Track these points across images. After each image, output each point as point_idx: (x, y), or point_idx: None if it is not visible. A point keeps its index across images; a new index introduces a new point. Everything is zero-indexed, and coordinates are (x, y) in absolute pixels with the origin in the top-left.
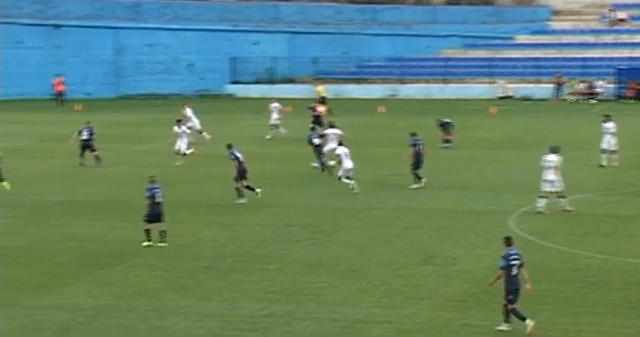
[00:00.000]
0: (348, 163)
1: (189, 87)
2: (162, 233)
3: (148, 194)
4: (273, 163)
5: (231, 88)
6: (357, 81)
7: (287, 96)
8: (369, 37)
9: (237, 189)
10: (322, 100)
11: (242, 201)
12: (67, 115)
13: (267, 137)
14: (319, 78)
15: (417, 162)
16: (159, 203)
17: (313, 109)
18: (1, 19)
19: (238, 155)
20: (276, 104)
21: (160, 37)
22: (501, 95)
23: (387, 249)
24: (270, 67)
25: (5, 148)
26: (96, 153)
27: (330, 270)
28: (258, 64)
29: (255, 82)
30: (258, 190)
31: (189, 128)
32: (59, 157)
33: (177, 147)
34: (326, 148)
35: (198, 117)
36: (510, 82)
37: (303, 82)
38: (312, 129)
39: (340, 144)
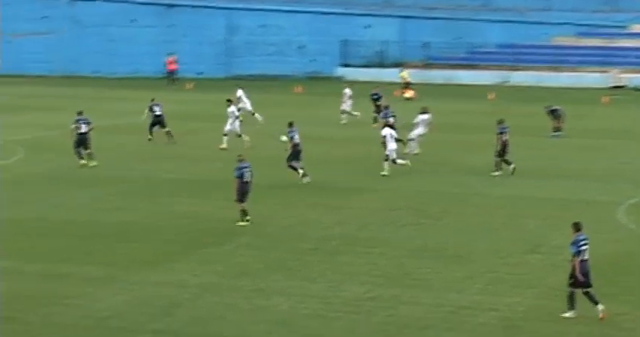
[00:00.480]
0: (392, 145)
1: (299, 69)
2: (244, 211)
3: (236, 173)
4: (376, 146)
5: (341, 71)
6: (468, 67)
7: (396, 80)
8: (480, 23)
9: (294, 168)
10: (407, 85)
11: (307, 179)
12: (178, 94)
13: (343, 122)
14: (404, 64)
15: (503, 150)
16: (247, 182)
17: (375, 96)
18: None
19: (295, 136)
20: (347, 90)
21: (272, 19)
22: (614, 85)
23: (493, 237)
24: (381, 50)
25: (118, 125)
26: (167, 129)
27: (436, 256)
28: (368, 47)
29: (365, 66)
30: (305, 179)
31: (238, 110)
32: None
33: (227, 129)
34: (415, 133)
35: (249, 99)
36: (624, 72)
37: (413, 66)
38: (375, 119)
39: (389, 126)
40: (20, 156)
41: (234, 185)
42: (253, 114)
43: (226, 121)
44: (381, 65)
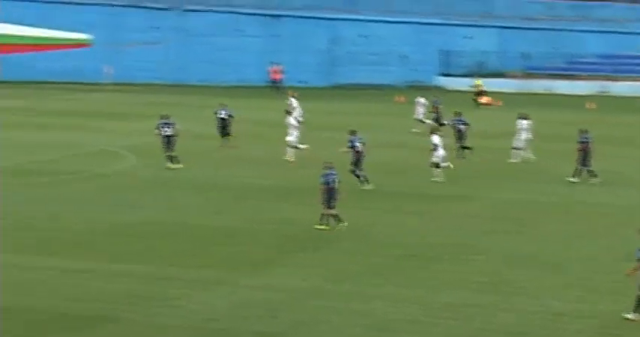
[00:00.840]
0: (440, 151)
1: (400, 78)
2: (336, 217)
3: (322, 180)
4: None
5: (442, 81)
6: (567, 77)
7: (496, 90)
8: (579, 33)
9: (357, 175)
10: (481, 93)
11: (368, 186)
12: (282, 102)
13: (414, 130)
14: (481, 73)
15: (584, 159)
16: (333, 188)
17: (435, 106)
18: (225, 8)
19: (357, 144)
20: (421, 99)
21: (374, 29)
22: None
23: (590, 245)
24: (481, 60)
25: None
26: (229, 133)
27: (533, 263)
28: (468, 57)
29: (465, 75)
30: (367, 186)
31: (297, 120)
32: (269, 143)
33: (289, 139)
34: (520, 139)
35: (301, 108)
36: None
37: (512, 76)
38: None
39: (435, 132)
40: (132, 162)
41: (320, 191)
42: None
43: (289, 132)
44: (481, 75)
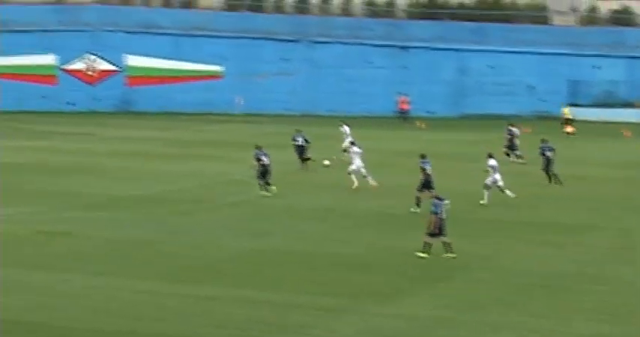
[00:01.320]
0: (497, 175)
1: (527, 108)
2: (448, 245)
3: (433, 209)
4: (611, 186)
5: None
6: None
7: (626, 120)
8: None
9: (417, 198)
10: (567, 121)
11: (417, 210)
12: (410, 133)
13: (511, 159)
14: (610, 103)
15: None
16: (442, 218)
17: (509, 132)
18: (354, 40)
19: (426, 167)
20: (514, 129)
21: (501, 60)
22: None
23: None
24: (609, 90)
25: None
26: (307, 157)
27: None
28: (597, 87)
29: (594, 106)
30: (446, 202)
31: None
32: (395, 172)
33: (353, 168)
34: None
35: (351, 136)
36: None
37: None
38: (507, 154)
39: (491, 156)
40: (259, 191)
41: (429, 219)
42: (345, 150)
43: (351, 161)
44: (610, 105)
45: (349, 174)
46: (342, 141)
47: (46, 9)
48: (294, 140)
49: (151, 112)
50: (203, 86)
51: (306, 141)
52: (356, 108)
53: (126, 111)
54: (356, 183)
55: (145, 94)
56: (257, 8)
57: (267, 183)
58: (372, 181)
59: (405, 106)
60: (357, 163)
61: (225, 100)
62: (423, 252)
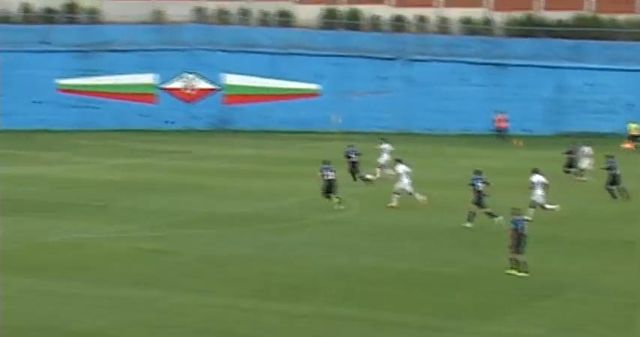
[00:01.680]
0: (539, 191)
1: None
2: (523, 264)
3: (513, 226)
4: None
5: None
6: None
7: None
8: None
9: (470, 213)
10: (632, 138)
11: (467, 224)
12: (506, 151)
13: (583, 179)
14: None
15: None
16: (522, 234)
17: (569, 152)
18: (450, 58)
19: (479, 184)
20: (587, 148)
21: (600, 77)
22: None
23: None
24: None
25: (449, 180)
26: (360, 174)
27: None
28: None
29: None
30: (499, 218)
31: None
32: (491, 191)
33: (400, 187)
34: None
35: (390, 154)
36: None
37: None
38: (566, 172)
39: (536, 172)
40: (355, 210)
41: (509, 236)
42: (381, 168)
43: (400, 179)
44: None
45: (395, 193)
46: (380, 156)
47: (146, 29)
48: (348, 156)
49: (248, 130)
50: (300, 104)
51: (357, 154)
52: (452, 126)
53: (223, 130)
54: (394, 203)
55: (243, 112)
56: (354, 26)
57: (329, 197)
58: (419, 197)
59: (503, 124)
60: (404, 182)
61: (321, 118)
62: (512, 269)
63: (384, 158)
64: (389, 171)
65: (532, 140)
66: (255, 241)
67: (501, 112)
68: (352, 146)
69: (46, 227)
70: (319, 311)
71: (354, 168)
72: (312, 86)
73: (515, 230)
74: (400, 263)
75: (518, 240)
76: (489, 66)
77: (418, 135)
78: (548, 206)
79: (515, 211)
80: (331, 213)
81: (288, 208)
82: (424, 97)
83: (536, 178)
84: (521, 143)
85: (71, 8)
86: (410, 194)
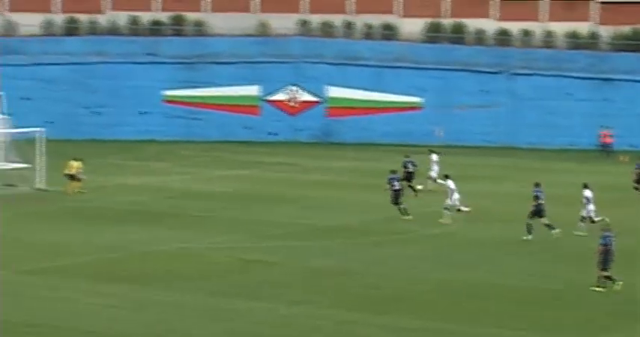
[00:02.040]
0: (590, 206)
1: None
2: (607, 278)
3: (602, 241)
4: None
5: None
6: None
7: None
8: None
9: (528, 224)
10: None
11: (528, 237)
12: (611, 167)
13: None
14: None
15: None
16: (610, 250)
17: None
18: (554, 72)
19: (539, 194)
20: None
21: None
22: None
23: None
24: None
25: (552, 195)
26: (411, 184)
27: None
28: None
29: None
30: (556, 231)
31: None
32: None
33: (450, 203)
34: None
35: (439, 165)
36: None
37: None
38: (636, 189)
39: (586, 187)
40: (460, 223)
41: (598, 251)
42: (435, 180)
43: (449, 195)
44: None
45: (445, 208)
46: (430, 169)
47: (252, 41)
48: (405, 167)
49: (350, 143)
50: (403, 117)
51: (413, 164)
52: (556, 141)
53: (326, 142)
54: (448, 221)
55: (345, 125)
56: (458, 40)
57: (402, 209)
58: (464, 208)
59: (608, 140)
60: (453, 198)
61: (424, 132)
62: (599, 286)
63: (435, 169)
64: (440, 181)
65: (638, 156)
66: (357, 253)
67: (607, 127)
68: (409, 156)
69: (149, 237)
70: (421, 326)
71: (408, 179)
72: (415, 99)
73: (604, 245)
74: (502, 278)
75: (606, 256)
76: (595, 81)
77: (521, 149)
78: (596, 218)
79: (605, 227)
80: (435, 227)
81: (392, 221)
82: (528, 111)
83: (588, 193)
84: (627, 159)
85: (178, 21)
86: (458, 210)
